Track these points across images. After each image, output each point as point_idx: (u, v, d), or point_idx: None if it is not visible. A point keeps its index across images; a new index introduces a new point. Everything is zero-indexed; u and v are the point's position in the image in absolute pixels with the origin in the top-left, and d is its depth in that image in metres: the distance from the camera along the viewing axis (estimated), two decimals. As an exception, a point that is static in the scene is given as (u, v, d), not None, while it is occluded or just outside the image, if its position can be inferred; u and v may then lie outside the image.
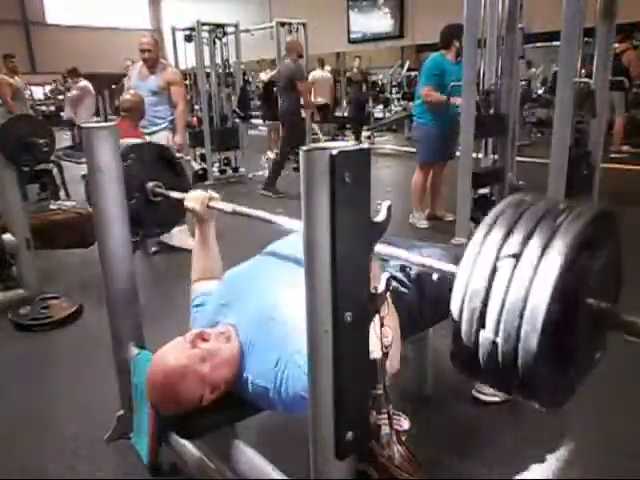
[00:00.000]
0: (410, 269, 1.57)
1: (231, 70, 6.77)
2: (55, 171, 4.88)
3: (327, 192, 0.75)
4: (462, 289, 0.67)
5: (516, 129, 3.43)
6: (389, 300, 0.87)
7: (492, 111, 3.22)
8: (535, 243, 0.63)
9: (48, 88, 15.31)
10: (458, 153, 3.45)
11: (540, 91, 9.26)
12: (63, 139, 8.51)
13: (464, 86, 3.07)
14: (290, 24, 7.15)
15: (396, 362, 1.03)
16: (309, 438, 0.89)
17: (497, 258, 0.65)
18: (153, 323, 1.90)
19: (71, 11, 18.19)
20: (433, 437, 1.72)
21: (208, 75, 6.56)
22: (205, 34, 6.49)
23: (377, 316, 0.85)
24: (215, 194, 1.58)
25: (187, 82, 6.35)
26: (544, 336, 0.60)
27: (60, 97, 12.69)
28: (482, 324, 0.65)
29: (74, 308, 2.81)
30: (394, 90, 11.92)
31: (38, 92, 15.66)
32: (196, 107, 6.93)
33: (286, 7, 12.35)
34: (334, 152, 0.73)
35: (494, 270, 0.65)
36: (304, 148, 0.76)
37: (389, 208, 0.82)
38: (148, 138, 3.85)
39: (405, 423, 0.96)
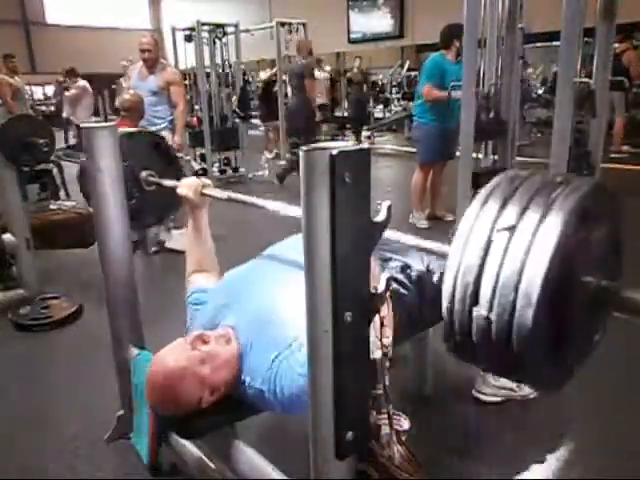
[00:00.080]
0: (411, 270, 1.57)
1: (231, 70, 6.77)
2: (55, 171, 4.89)
3: (327, 192, 0.74)
4: (455, 266, 0.64)
5: (516, 129, 3.43)
6: (389, 300, 0.87)
7: (492, 114, 3.22)
8: (531, 215, 0.60)
9: (49, 88, 15.27)
10: (458, 153, 3.45)
11: (540, 91, 9.25)
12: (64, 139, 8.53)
13: (464, 86, 3.06)
14: (290, 24, 7.16)
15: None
16: (309, 438, 0.89)
17: (491, 231, 0.62)
18: (153, 323, 1.90)
19: (71, 11, 18.17)
20: (433, 437, 1.72)
21: (208, 75, 6.56)
22: (205, 34, 6.49)
23: (377, 316, 0.85)
24: (208, 181, 1.58)
25: (187, 82, 6.35)
26: (540, 311, 0.57)
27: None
28: (475, 301, 0.62)
29: (74, 308, 2.81)
30: (394, 90, 11.93)
31: (38, 92, 15.65)
32: (196, 107, 6.94)
33: (286, 7, 12.37)
34: (334, 152, 0.73)
35: (488, 244, 0.61)
36: (304, 148, 0.76)
37: (389, 208, 0.81)
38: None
39: (405, 423, 0.96)
